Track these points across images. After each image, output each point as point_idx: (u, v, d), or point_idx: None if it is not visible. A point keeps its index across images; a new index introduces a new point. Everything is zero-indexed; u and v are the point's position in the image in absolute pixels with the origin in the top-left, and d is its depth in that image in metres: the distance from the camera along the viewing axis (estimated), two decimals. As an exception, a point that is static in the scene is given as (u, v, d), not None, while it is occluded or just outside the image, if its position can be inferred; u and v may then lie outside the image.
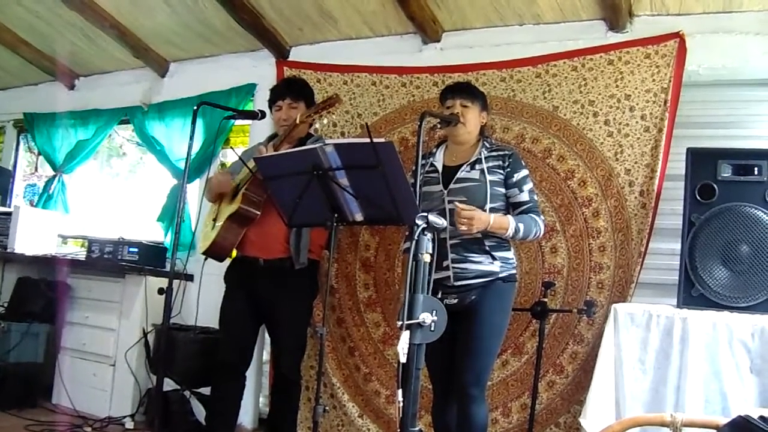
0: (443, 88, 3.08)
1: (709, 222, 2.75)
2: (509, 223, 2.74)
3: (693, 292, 2.73)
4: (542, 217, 2.89)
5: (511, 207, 2.88)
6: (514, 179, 2.86)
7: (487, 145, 2.95)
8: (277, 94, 3.37)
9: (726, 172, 2.76)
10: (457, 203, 2.72)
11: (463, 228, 2.65)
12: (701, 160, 2.80)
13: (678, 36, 3.24)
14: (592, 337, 3.22)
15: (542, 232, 2.87)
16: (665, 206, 3.21)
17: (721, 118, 3.35)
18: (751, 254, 2.65)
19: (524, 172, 2.89)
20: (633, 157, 3.27)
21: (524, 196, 2.85)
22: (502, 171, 2.86)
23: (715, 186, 2.75)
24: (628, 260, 3.23)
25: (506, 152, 2.92)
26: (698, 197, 2.78)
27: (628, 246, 3.25)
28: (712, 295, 2.69)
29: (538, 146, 3.47)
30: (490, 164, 2.86)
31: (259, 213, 3.12)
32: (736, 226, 2.69)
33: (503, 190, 2.85)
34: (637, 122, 3.28)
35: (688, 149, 2.86)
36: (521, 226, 2.75)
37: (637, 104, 3.29)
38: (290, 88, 3.38)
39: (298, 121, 3.07)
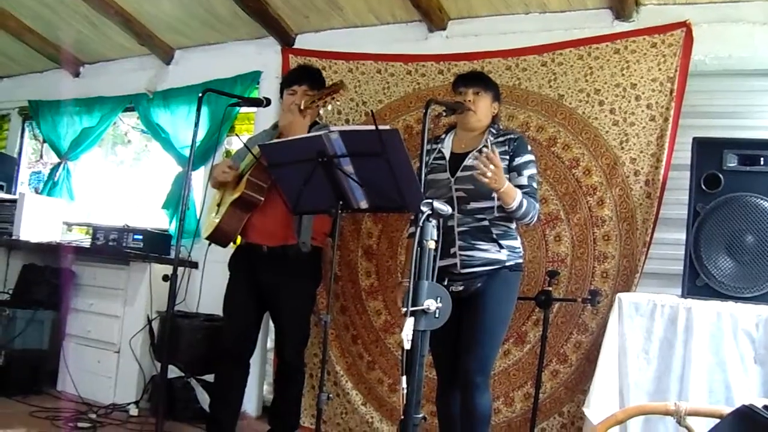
0: (456, 77, 3.05)
1: (714, 212, 2.74)
2: (516, 195, 2.69)
3: (698, 282, 2.72)
4: (539, 206, 2.87)
5: None
6: (515, 163, 2.82)
7: (494, 132, 2.93)
8: (293, 78, 3.36)
9: (732, 162, 2.75)
10: (486, 149, 2.70)
11: (488, 176, 2.58)
12: (707, 150, 2.80)
13: (685, 25, 3.22)
14: (596, 327, 3.22)
15: (535, 219, 2.84)
16: (670, 196, 3.20)
17: (727, 108, 3.33)
18: (757, 244, 2.65)
19: (527, 157, 2.85)
20: (638, 146, 3.26)
21: (523, 180, 2.80)
22: (507, 156, 2.83)
23: (721, 176, 2.75)
24: (633, 249, 3.22)
25: (512, 137, 2.90)
26: (704, 187, 2.77)
27: (632, 235, 3.24)
28: (716, 285, 2.69)
29: (543, 135, 3.46)
30: (497, 150, 2.83)
31: (262, 199, 3.11)
32: (742, 217, 2.68)
33: (507, 176, 2.82)
34: (642, 111, 3.26)
35: (694, 139, 2.85)
36: (524, 202, 2.71)
37: (643, 93, 3.27)
38: (309, 75, 3.37)
39: (302, 107, 3.06)
